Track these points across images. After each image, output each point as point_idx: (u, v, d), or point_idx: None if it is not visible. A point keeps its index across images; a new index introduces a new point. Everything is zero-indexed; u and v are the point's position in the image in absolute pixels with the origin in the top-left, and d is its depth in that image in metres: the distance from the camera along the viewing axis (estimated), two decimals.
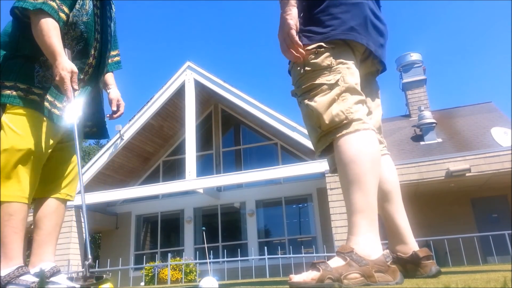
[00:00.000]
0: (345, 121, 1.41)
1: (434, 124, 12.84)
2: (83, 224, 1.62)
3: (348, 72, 1.48)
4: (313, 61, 1.48)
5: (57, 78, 1.69)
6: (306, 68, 1.49)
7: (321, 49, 1.48)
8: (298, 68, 1.52)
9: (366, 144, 1.40)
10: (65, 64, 1.69)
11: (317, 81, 1.46)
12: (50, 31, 1.69)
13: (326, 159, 1.78)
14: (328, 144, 1.47)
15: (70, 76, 1.69)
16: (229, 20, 79.84)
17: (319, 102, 1.44)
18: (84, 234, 1.56)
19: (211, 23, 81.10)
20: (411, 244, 1.71)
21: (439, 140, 12.70)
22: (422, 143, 12.73)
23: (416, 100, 14.81)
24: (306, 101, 1.48)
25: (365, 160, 1.37)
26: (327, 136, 1.45)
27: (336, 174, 1.70)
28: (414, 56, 15.28)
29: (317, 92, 1.46)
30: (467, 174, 9.64)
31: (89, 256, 1.40)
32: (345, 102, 1.43)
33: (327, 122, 1.42)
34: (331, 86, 1.45)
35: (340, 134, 1.41)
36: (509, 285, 0.90)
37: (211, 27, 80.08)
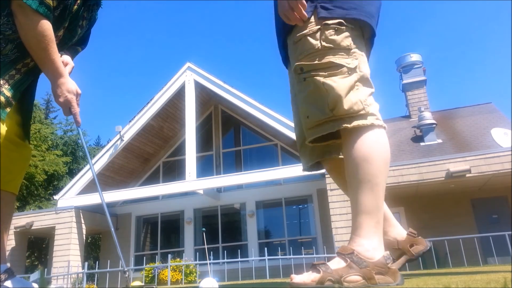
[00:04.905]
0: (362, 112, 1.31)
1: (434, 125, 12.84)
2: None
3: (363, 60, 1.38)
4: (332, 37, 1.34)
5: (61, 100, 1.55)
6: (323, 44, 1.35)
7: (342, 27, 1.35)
8: (313, 42, 1.36)
9: (380, 143, 1.34)
10: (71, 86, 1.56)
11: (337, 61, 1.33)
12: (52, 43, 1.46)
13: (301, 154, 1.65)
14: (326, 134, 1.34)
15: (75, 98, 1.58)
16: (229, 20, 79.91)
17: (340, 83, 1.31)
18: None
19: (211, 23, 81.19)
20: (398, 227, 1.60)
21: (439, 141, 12.69)
22: (422, 144, 12.73)
23: (416, 101, 14.81)
24: (321, 79, 1.32)
25: (378, 160, 1.32)
26: (336, 122, 1.31)
27: (312, 172, 1.60)
28: (414, 57, 15.27)
29: (336, 73, 1.32)
30: (467, 175, 9.64)
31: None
32: (360, 92, 1.33)
33: (345, 107, 1.29)
34: (351, 71, 1.33)
35: (355, 124, 1.30)
36: (509, 285, 0.90)
37: (212, 27, 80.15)
